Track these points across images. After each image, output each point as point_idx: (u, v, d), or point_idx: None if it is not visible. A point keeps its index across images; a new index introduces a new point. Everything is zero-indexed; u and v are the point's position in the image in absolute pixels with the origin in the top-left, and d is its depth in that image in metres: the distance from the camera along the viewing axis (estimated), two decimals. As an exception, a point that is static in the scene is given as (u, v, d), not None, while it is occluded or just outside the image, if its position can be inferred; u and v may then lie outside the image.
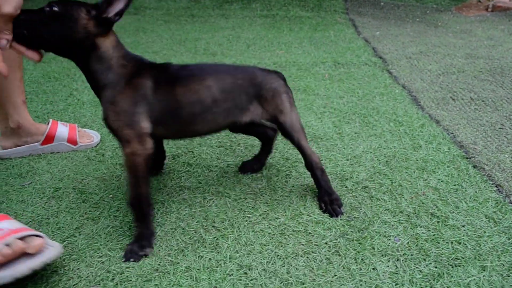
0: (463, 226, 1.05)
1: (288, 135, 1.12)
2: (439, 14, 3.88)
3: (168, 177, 1.28)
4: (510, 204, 1.14)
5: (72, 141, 1.45)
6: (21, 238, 0.87)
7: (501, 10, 3.82)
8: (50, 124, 1.44)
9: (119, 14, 0.92)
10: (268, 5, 3.96)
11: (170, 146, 1.46)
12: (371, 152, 1.40)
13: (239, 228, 1.05)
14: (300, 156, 1.37)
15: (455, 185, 1.22)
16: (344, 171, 1.29)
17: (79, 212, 1.14)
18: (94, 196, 1.20)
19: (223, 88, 1.04)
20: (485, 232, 1.03)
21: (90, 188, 1.24)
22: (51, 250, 0.89)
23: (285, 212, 1.11)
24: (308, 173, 1.27)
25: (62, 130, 1.45)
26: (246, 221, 1.08)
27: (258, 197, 1.18)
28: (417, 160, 1.35)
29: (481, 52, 2.56)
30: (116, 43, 0.98)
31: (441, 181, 1.24)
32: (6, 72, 0.93)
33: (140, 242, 0.98)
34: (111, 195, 1.20)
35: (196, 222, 1.08)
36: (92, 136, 1.52)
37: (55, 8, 0.90)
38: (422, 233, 1.03)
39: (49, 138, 1.42)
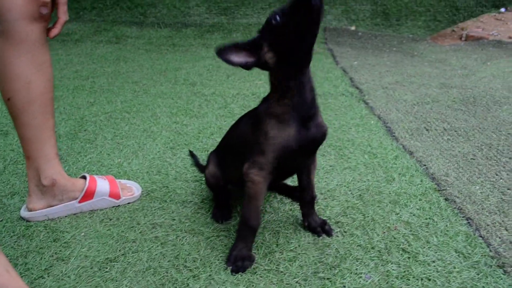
0: (433, 262, 1.06)
1: None
2: (415, 44, 3.99)
3: (142, 214, 1.27)
4: (479, 237, 1.15)
5: (114, 195, 1.32)
6: None
7: (474, 39, 3.94)
8: (88, 179, 1.31)
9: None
10: (249, 35, 4.02)
11: (145, 181, 1.46)
12: (345, 186, 1.41)
13: (210, 268, 1.05)
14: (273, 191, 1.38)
15: (426, 218, 1.24)
16: (318, 206, 1.30)
17: (49, 252, 1.12)
18: (66, 235, 1.19)
19: None
20: (454, 268, 1.04)
21: (62, 226, 1.22)
22: None
23: (258, 250, 1.11)
24: (282, 208, 1.28)
25: (102, 183, 1.32)
26: (218, 260, 1.07)
27: (232, 234, 1.17)
28: (390, 193, 1.36)
29: (455, 82, 2.63)
30: None
31: (413, 215, 1.25)
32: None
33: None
34: (82, 233, 1.19)
35: (168, 262, 1.07)
36: (131, 188, 1.39)
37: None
38: (393, 269, 1.04)
39: (89, 194, 1.29)
